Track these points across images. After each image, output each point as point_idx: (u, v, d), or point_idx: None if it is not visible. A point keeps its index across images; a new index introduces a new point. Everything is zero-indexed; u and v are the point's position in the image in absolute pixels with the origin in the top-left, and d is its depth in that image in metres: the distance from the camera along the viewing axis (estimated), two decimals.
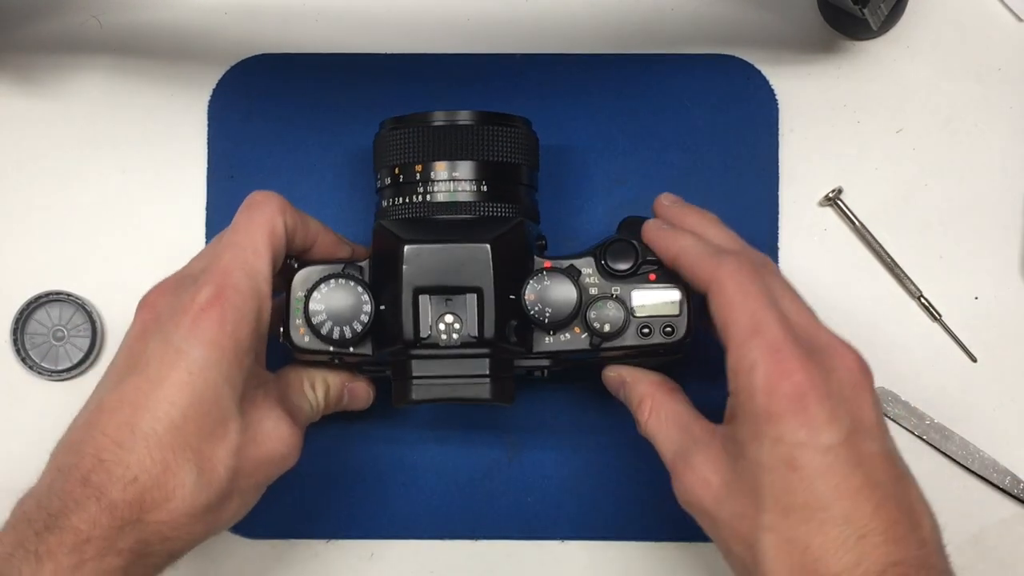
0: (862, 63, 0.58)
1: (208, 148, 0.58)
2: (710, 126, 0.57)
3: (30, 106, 0.58)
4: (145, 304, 0.46)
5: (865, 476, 0.41)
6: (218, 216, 0.57)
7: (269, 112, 0.58)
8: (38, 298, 0.57)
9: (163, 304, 0.46)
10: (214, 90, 0.58)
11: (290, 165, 0.58)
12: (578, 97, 0.58)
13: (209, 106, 0.58)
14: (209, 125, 0.58)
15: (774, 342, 0.42)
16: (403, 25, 0.58)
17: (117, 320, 0.58)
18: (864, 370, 0.44)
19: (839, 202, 0.57)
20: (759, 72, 0.58)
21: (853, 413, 0.42)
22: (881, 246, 0.57)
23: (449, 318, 0.47)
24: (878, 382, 0.56)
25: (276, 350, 0.49)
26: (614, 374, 0.51)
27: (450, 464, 0.56)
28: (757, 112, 0.57)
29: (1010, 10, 0.58)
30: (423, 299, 0.46)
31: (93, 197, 0.58)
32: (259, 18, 0.58)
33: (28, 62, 0.58)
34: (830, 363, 0.43)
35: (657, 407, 0.48)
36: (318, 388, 0.50)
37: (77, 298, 0.57)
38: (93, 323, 0.57)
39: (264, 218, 0.46)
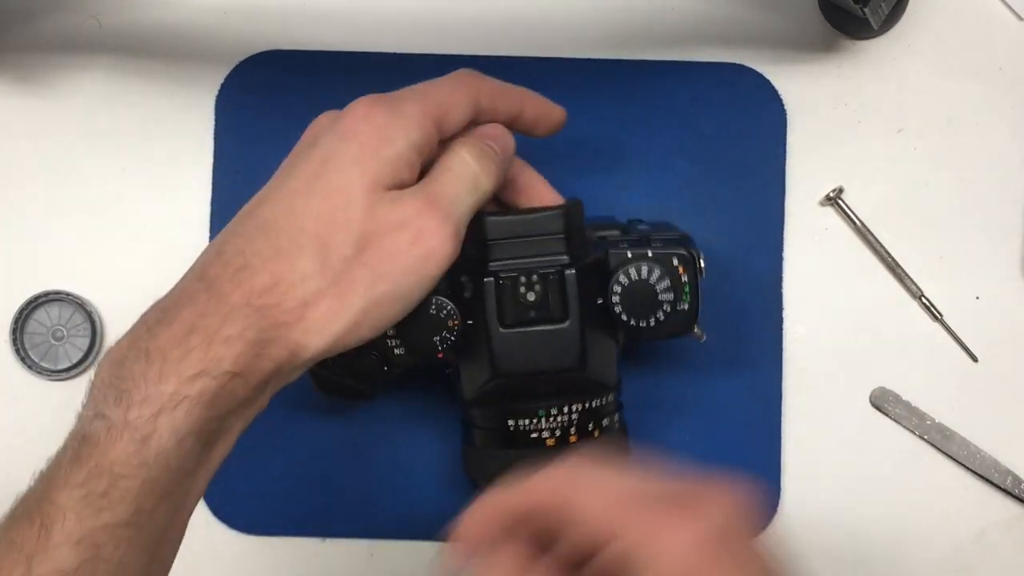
0: (863, 63, 0.58)
1: (215, 145, 0.58)
2: (717, 134, 0.57)
3: (30, 106, 0.58)
4: (315, 123, 0.47)
5: None
6: (223, 213, 0.57)
7: (276, 108, 0.58)
8: (37, 298, 0.57)
9: (326, 118, 0.46)
10: (222, 85, 0.58)
11: None
12: (584, 101, 0.57)
13: (217, 102, 0.58)
14: (216, 121, 0.58)
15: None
16: (408, 25, 0.58)
17: (117, 320, 0.58)
18: (737, 503, 0.37)
19: (840, 202, 0.57)
20: (768, 81, 0.57)
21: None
22: (882, 246, 0.57)
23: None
24: (879, 382, 0.57)
25: None
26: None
27: (450, 464, 0.56)
28: (765, 121, 0.57)
29: (1011, 9, 0.58)
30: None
31: (93, 197, 0.58)
32: (259, 18, 0.58)
33: (28, 62, 0.58)
34: (703, 507, 0.37)
35: None
36: (471, 162, 0.46)
37: (76, 298, 0.57)
38: (92, 323, 0.57)
39: (454, 85, 0.47)
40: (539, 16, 0.58)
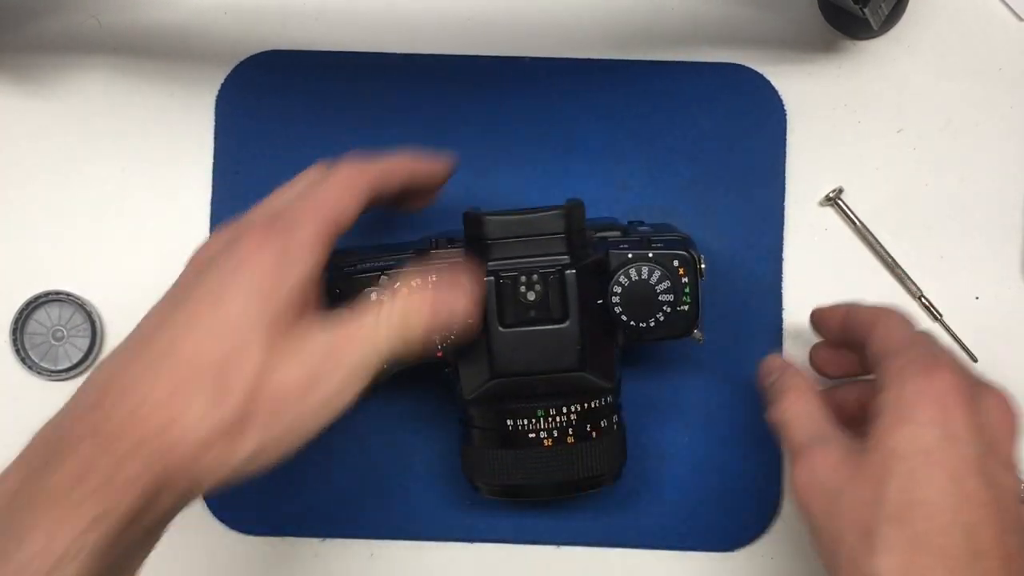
0: (863, 63, 0.58)
1: (215, 145, 0.58)
2: (717, 134, 0.57)
3: (30, 106, 0.58)
4: (206, 243, 0.46)
5: (995, 500, 0.41)
6: (223, 212, 0.57)
7: (276, 108, 0.58)
8: (37, 298, 0.57)
9: (219, 241, 0.45)
10: (222, 85, 0.58)
11: (296, 161, 0.57)
12: (583, 101, 0.58)
13: (217, 102, 0.58)
14: (216, 121, 0.58)
15: (931, 355, 0.43)
16: (407, 25, 0.58)
17: (117, 320, 0.58)
18: (1016, 413, 0.44)
19: (840, 202, 0.57)
20: (768, 81, 0.57)
21: (993, 439, 0.42)
22: (882, 246, 0.57)
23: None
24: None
25: None
26: (775, 362, 0.52)
27: (450, 464, 0.56)
28: (765, 121, 0.57)
29: (1011, 10, 0.58)
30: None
31: (93, 197, 0.58)
32: (259, 17, 0.58)
33: (28, 62, 0.58)
34: (985, 392, 0.44)
35: (803, 398, 0.48)
36: (397, 326, 0.45)
37: (77, 298, 0.57)
38: (93, 323, 0.57)
39: (341, 179, 0.46)
40: (539, 16, 0.58)
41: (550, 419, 0.49)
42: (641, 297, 0.48)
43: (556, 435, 0.49)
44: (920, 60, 0.58)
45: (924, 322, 0.57)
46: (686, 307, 0.49)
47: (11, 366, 0.57)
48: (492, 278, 0.48)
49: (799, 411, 0.48)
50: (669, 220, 0.56)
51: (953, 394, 0.42)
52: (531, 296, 0.47)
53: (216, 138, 0.58)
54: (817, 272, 0.57)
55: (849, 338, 0.50)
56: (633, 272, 0.48)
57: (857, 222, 0.57)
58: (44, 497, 0.38)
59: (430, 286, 0.46)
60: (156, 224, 0.58)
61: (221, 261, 0.43)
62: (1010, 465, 0.43)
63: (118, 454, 0.39)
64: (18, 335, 0.57)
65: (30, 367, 0.57)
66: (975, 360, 0.57)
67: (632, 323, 0.49)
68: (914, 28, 0.58)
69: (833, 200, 0.57)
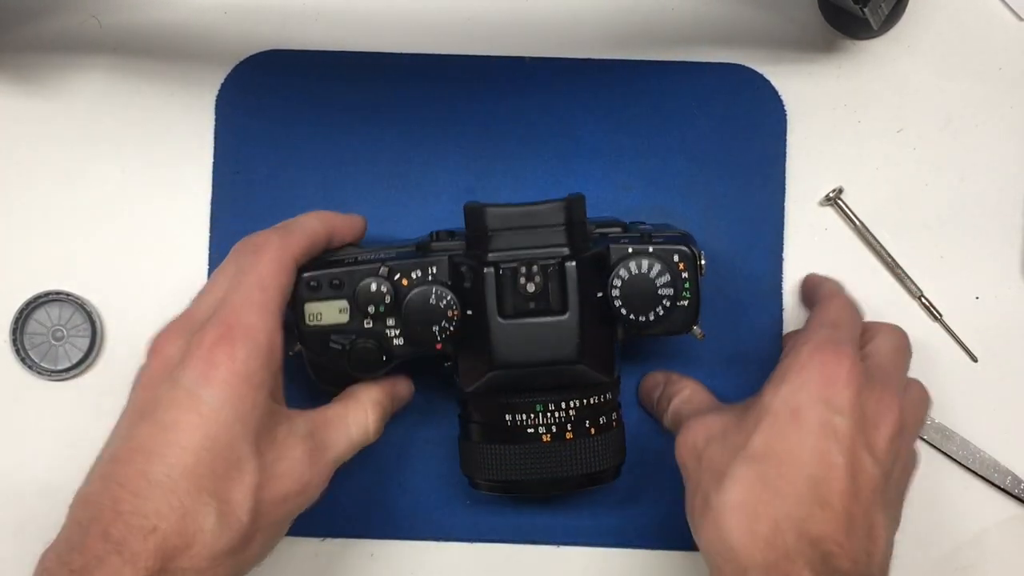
0: (862, 63, 0.58)
1: (215, 145, 0.58)
2: (718, 134, 0.57)
3: (30, 106, 0.58)
4: (154, 349, 0.46)
5: (848, 467, 0.43)
6: (223, 213, 0.57)
7: (276, 108, 0.58)
8: (37, 298, 0.57)
9: (172, 348, 0.45)
10: (222, 85, 0.58)
11: (296, 160, 0.58)
12: (584, 101, 0.57)
13: (217, 101, 0.58)
14: (216, 121, 0.58)
15: (837, 339, 0.46)
16: (407, 25, 0.58)
17: (116, 320, 0.58)
18: (909, 418, 0.47)
19: (839, 202, 0.57)
20: (768, 81, 0.57)
21: (870, 426, 0.45)
22: (881, 246, 0.57)
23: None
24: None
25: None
26: (659, 376, 0.55)
27: (449, 464, 0.56)
28: (765, 121, 0.57)
29: (1010, 10, 0.58)
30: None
31: (93, 197, 0.58)
32: (259, 17, 0.58)
33: (28, 62, 0.58)
34: (882, 383, 0.46)
35: (690, 388, 0.53)
36: (369, 413, 0.49)
37: (76, 298, 0.57)
38: (92, 323, 0.57)
39: (270, 256, 0.47)
40: (540, 16, 0.58)
41: (549, 414, 0.49)
42: (641, 291, 0.48)
43: (555, 430, 0.49)
44: (920, 60, 0.58)
45: (924, 322, 0.57)
46: (686, 302, 0.49)
47: (11, 366, 0.57)
48: (492, 269, 0.47)
49: (687, 398, 0.52)
50: (669, 220, 0.56)
51: (842, 373, 0.44)
52: (531, 288, 0.47)
53: (216, 138, 0.58)
54: (817, 272, 0.57)
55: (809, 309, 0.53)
56: (633, 265, 0.48)
57: (857, 222, 0.57)
58: None
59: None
60: (156, 224, 0.58)
61: (187, 378, 0.43)
62: (877, 455, 0.44)
63: (139, 567, 0.40)
64: (18, 335, 0.57)
65: (30, 367, 0.57)
66: (975, 360, 0.57)
67: (632, 317, 0.48)
68: (914, 28, 0.58)
69: (833, 200, 0.57)
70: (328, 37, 0.58)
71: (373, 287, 0.48)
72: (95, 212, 0.58)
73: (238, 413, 0.43)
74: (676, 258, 0.49)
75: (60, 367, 0.57)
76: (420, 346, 0.49)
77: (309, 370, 0.51)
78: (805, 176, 0.57)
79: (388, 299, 0.48)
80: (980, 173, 0.57)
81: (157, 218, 0.58)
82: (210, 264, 0.57)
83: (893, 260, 0.57)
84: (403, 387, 0.52)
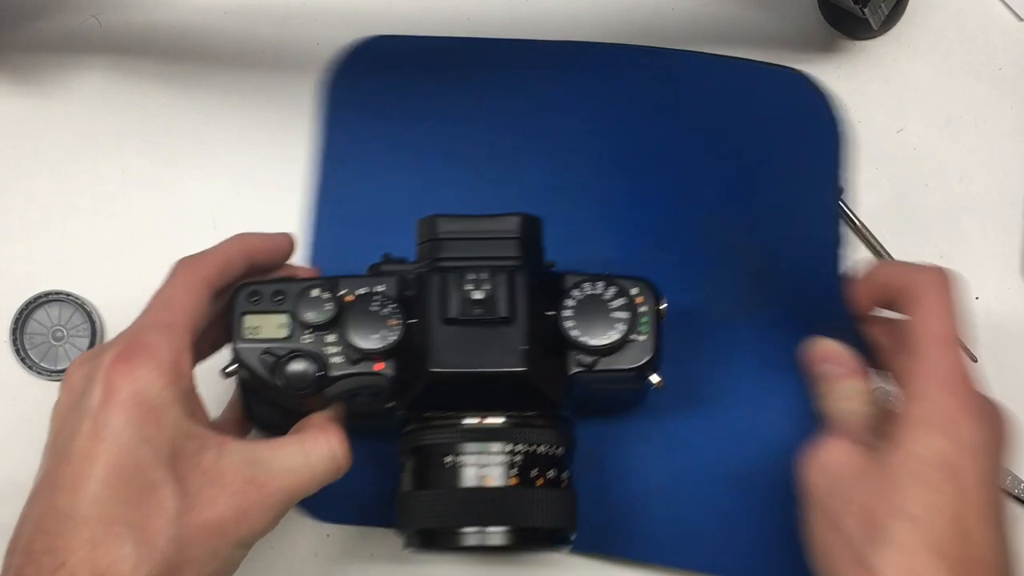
0: (862, 63, 0.58)
1: (325, 136, 0.57)
2: (769, 139, 0.56)
3: (30, 106, 0.58)
4: (64, 382, 0.44)
5: (996, 517, 0.42)
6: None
7: (390, 93, 0.57)
8: (37, 298, 0.57)
9: (77, 376, 0.43)
10: (333, 71, 0.57)
11: (400, 160, 0.57)
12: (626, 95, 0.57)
13: (324, 87, 0.57)
14: (328, 109, 0.57)
15: (961, 368, 0.44)
16: (395, 26, 0.58)
17: (116, 320, 0.58)
18: (1010, 430, 0.46)
19: (839, 202, 0.57)
20: (824, 94, 0.56)
21: (993, 452, 0.44)
22: (881, 246, 0.57)
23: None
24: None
25: None
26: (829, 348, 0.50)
27: None
28: (821, 135, 0.56)
29: (1010, 10, 0.58)
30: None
31: (93, 197, 0.58)
32: (259, 18, 0.58)
33: (28, 62, 0.58)
34: (987, 405, 0.45)
35: (861, 398, 0.48)
36: (331, 437, 0.45)
37: (76, 298, 0.57)
38: (92, 323, 0.57)
39: (177, 278, 0.45)
40: (540, 6, 0.58)
41: (492, 455, 0.45)
42: (593, 310, 0.45)
43: (496, 473, 0.45)
44: (920, 60, 0.58)
45: None
46: (643, 337, 0.46)
47: (11, 366, 0.57)
48: (438, 274, 0.45)
49: (853, 397, 0.48)
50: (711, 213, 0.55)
51: (971, 410, 0.43)
52: (478, 295, 0.45)
53: (326, 130, 0.57)
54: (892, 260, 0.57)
55: (886, 298, 0.49)
56: (588, 286, 0.46)
57: (856, 222, 0.57)
58: None
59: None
60: (156, 224, 0.58)
61: (90, 405, 0.40)
62: (998, 475, 0.44)
63: None
64: (18, 335, 0.57)
65: (30, 367, 0.57)
66: (975, 360, 0.57)
67: (583, 340, 0.45)
68: (914, 28, 0.58)
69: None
70: (327, 38, 0.58)
71: (314, 294, 0.46)
72: (95, 212, 0.58)
73: (143, 435, 0.40)
74: (634, 291, 0.46)
75: (60, 367, 0.57)
76: (359, 363, 0.45)
77: (244, 407, 0.49)
78: None
79: (330, 313, 0.45)
80: (980, 173, 0.57)
81: (157, 218, 0.58)
82: None
83: (893, 260, 0.57)
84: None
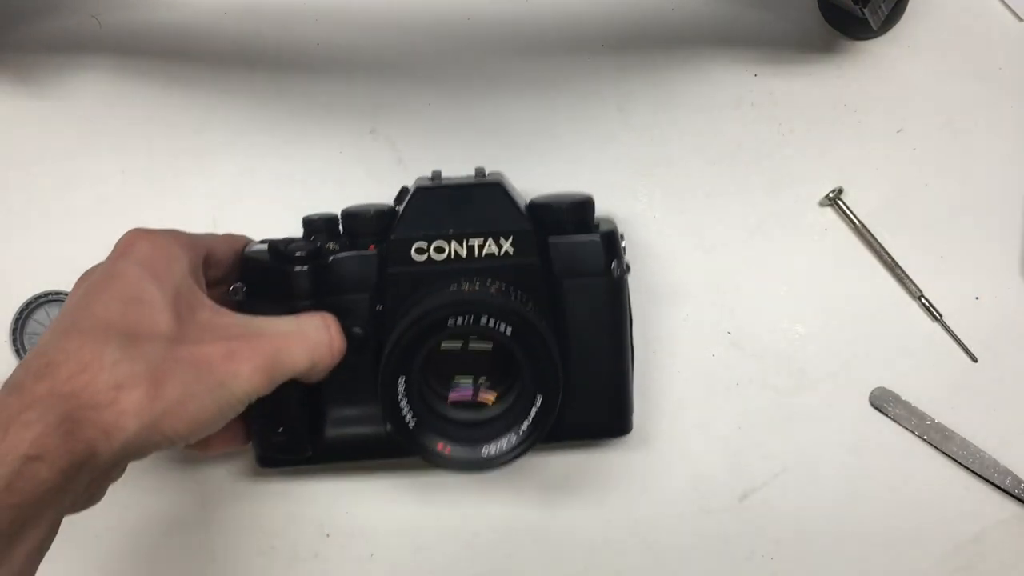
0: (862, 63, 0.58)
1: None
2: None
3: (30, 106, 0.58)
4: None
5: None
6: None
7: None
8: (38, 298, 0.57)
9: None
10: None
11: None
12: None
13: None
14: None
15: None
16: (395, 26, 0.58)
17: None
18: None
19: (839, 202, 0.57)
20: None
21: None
22: (881, 246, 0.57)
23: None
24: (879, 382, 0.57)
25: None
26: None
27: None
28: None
29: (1010, 10, 0.58)
30: None
31: (93, 197, 0.58)
32: (259, 18, 0.58)
33: (28, 62, 0.58)
34: None
35: None
36: (331, 324, 0.48)
37: None
38: None
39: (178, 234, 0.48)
40: (539, 12, 0.58)
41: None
42: None
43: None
44: (920, 60, 0.58)
45: (924, 322, 0.57)
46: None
47: (11, 366, 0.57)
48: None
49: None
50: None
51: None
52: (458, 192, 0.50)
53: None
54: (817, 272, 0.57)
55: None
56: None
57: (857, 222, 0.57)
58: None
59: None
60: (156, 224, 0.58)
61: (104, 263, 0.45)
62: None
63: (24, 402, 0.39)
64: (18, 335, 0.57)
65: None
66: (975, 360, 0.57)
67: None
68: (914, 28, 0.58)
69: (833, 200, 0.57)
70: (328, 38, 0.58)
71: (298, 253, 0.50)
72: (95, 212, 0.58)
73: (152, 274, 0.43)
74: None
75: None
76: (357, 241, 0.50)
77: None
78: (805, 176, 0.58)
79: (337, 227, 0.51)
80: (980, 173, 0.57)
81: (157, 218, 0.58)
82: None
83: (893, 260, 0.57)
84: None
